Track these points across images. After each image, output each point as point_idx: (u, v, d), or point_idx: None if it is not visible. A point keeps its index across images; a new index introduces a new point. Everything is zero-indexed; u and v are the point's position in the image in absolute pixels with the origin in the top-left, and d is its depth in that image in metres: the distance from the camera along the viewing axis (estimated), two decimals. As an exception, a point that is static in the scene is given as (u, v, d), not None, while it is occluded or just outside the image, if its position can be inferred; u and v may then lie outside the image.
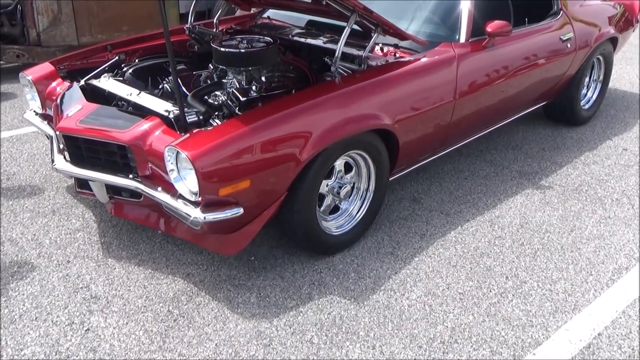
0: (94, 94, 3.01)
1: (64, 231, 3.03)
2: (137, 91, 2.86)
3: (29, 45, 5.51)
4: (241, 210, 2.36)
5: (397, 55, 3.14)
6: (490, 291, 2.64)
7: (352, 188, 2.92)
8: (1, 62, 5.61)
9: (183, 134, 2.46)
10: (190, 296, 2.57)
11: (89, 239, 2.97)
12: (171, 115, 2.57)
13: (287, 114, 2.46)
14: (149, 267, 2.75)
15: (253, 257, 2.85)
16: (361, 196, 2.93)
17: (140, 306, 2.50)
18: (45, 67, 3.20)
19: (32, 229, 3.04)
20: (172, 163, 2.35)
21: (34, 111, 3.26)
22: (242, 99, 2.82)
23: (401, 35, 3.02)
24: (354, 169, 2.89)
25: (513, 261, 2.86)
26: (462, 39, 3.20)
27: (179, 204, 2.36)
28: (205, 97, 2.92)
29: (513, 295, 2.62)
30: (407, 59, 3.05)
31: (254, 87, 2.92)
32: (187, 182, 2.33)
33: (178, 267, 2.76)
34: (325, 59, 3.08)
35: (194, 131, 2.44)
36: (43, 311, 2.46)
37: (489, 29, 3.19)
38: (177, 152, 2.27)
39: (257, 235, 2.85)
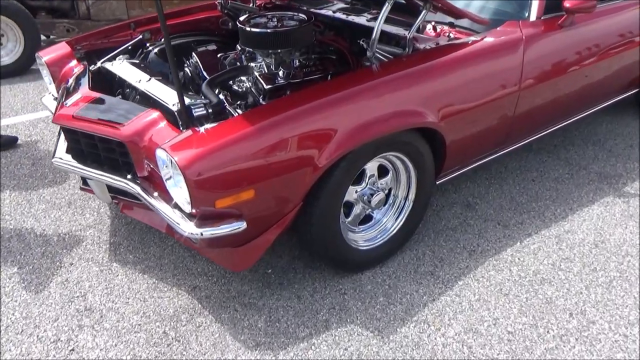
0: (106, 79, 2.72)
1: (75, 227, 2.80)
2: (148, 77, 2.54)
3: (78, 19, 5.37)
4: (244, 225, 1.99)
5: (452, 36, 2.63)
6: (548, 332, 2.15)
7: (388, 195, 2.49)
8: (52, 36, 5.50)
9: (184, 130, 2.11)
10: (191, 315, 2.25)
11: (98, 237, 2.72)
12: (174, 108, 2.23)
13: (303, 111, 2.05)
14: (153, 276, 2.46)
15: (270, 269, 2.49)
16: (398, 206, 2.49)
17: (134, 324, 2.22)
18: (61, 48, 2.95)
19: (43, 223, 2.83)
20: (166, 166, 2.01)
21: (53, 95, 3.02)
22: (265, 86, 2.44)
23: (456, 12, 2.51)
24: (391, 172, 2.45)
25: (581, 292, 2.35)
26: (533, 17, 2.64)
27: (172, 216, 2.03)
28: (230, 83, 2.57)
29: (577, 339, 2.12)
30: (462, 40, 2.54)
31: (280, 73, 2.52)
32: (183, 190, 1.99)
33: (185, 278, 2.45)
34: (361, 42, 2.62)
35: (198, 128, 2.07)
36: (31, 323, 2.23)
37: (567, 4, 2.61)
38: (167, 155, 1.93)
39: (278, 242, 2.51)
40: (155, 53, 3.03)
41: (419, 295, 2.34)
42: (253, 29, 2.54)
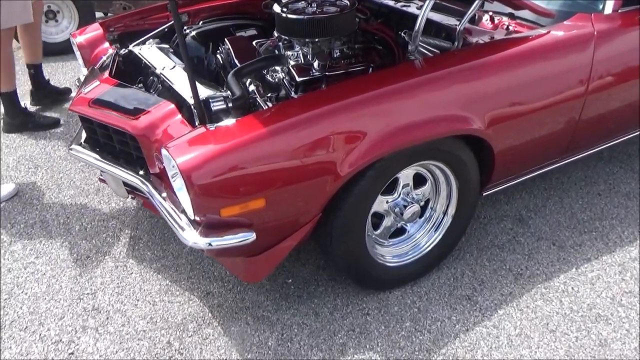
0: (135, 65, 2.58)
1: (99, 217, 2.70)
2: (172, 65, 2.37)
3: (135, -3, 5.30)
4: (252, 236, 1.80)
5: (510, 28, 2.31)
6: (598, 382, 1.85)
7: (425, 207, 2.23)
8: (110, 14, 5.47)
9: (197, 127, 1.92)
10: (199, 325, 2.10)
11: (119, 229, 2.61)
12: (191, 101, 2.05)
13: (327, 111, 1.81)
14: (167, 277, 2.32)
15: (291, 279, 2.30)
16: (435, 220, 2.23)
17: (139, 330, 2.08)
18: (95, 29, 2.83)
19: (68, 210, 2.75)
20: (173, 167, 1.84)
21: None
22: (298, 78, 2.23)
23: (516, 2, 2.19)
24: (429, 182, 2.18)
25: (643, 336, 2.02)
26: (608, 10, 2.26)
27: (177, 222, 1.86)
28: (264, 73, 2.37)
29: (633, 394, 1.81)
30: (522, 35, 2.22)
31: (315, 64, 2.29)
32: (186, 195, 1.80)
33: (200, 282, 2.29)
34: (403, 34, 2.35)
35: (209, 126, 1.86)
36: (36, 320, 2.14)
37: (652, -5, 2.23)
38: (169, 155, 1.75)
39: (303, 249, 2.31)
40: (193, 36, 2.86)
41: (451, 323, 2.07)
42: (288, 15, 2.32)
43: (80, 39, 2.77)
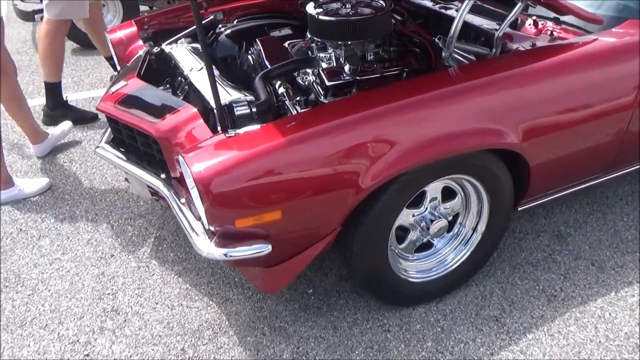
0: (166, 64, 2.56)
1: (126, 215, 2.70)
2: (200, 66, 2.33)
3: (179, -9, 5.32)
4: (268, 248, 1.74)
5: (554, 34, 2.17)
6: (631, 421, 1.72)
7: (454, 222, 2.12)
8: (154, 7, 5.52)
9: (218, 133, 1.88)
10: (215, 333, 2.06)
11: (145, 229, 2.60)
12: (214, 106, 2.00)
13: (349, 121, 1.73)
14: (188, 281, 2.30)
15: (312, 289, 2.24)
16: (464, 237, 2.12)
17: (155, 335, 2.07)
18: (129, 27, 2.82)
19: (98, 207, 2.77)
20: (189, 175, 1.79)
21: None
22: (327, 82, 2.16)
23: (560, 7, 2.05)
24: (458, 197, 2.07)
25: (686, 372, 1.86)
26: (663, 16, 2.10)
27: (192, 230, 1.82)
28: (295, 75, 2.32)
29: None
30: (566, 42, 2.08)
31: (346, 68, 2.22)
32: (200, 204, 1.76)
33: (220, 287, 2.26)
34: (436, 39, 2.24)
35: (230, 132, 1.81)
36: (56, 318, 2.15)
37: None
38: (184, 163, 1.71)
39: (328, 258, 2.25)
40: (227, 35, 2.82)
41: (476, 345, 1.97)
42: (320, 16, 2.26)
43: (114, 36, 2.77)
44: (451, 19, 2.39)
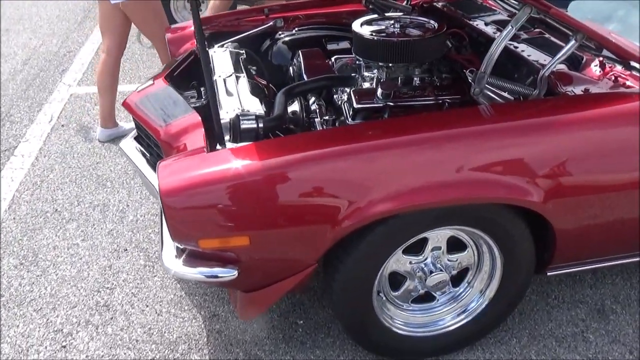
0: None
1: (154, 210, 2.72)
2: (230, 73, 2.27)
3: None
4: (234, 273, 1.63)
5: (619, 80, 1.86)
6: None
7: (461, 278, 1.89)
8: (255, 5, 5.61)
9: (219, 145, 1.79)
10: (190, 348, 1.99)
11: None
12: (226, 116, 1.92)
13: (332, 153, 1.57)
14: (184, 289, 2.25)
15: (303, 321, 2.10)
16: (465, 300, 1.87)
17: (133, 338, 2.03)
18: (188, 26, 2.84)
19: (131, 199, 2.81)
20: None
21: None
22: (355, 105, 2.03)
23: (621, 53, 1.75)
24: (469, 250, 1.84)
25: None
26: None
27: (166, 243, 1.76)
28: (333, 92, 2.22)
29: None
30: (628, 91, 1.77)
31: (378, 92, 2.06)
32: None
33: (212, 301, 2.19)
34: (467, 72, 2.01)
35: (228, 145, 1.72)
36: (52, 303, 2.19)
37: None
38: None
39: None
40: (284, 42, 2.77)
41: (458, 422, 1.73)
42: (363, 34, 2.14)
43: (170, 34, 2.80)
44: (506, 49, 2.15)
